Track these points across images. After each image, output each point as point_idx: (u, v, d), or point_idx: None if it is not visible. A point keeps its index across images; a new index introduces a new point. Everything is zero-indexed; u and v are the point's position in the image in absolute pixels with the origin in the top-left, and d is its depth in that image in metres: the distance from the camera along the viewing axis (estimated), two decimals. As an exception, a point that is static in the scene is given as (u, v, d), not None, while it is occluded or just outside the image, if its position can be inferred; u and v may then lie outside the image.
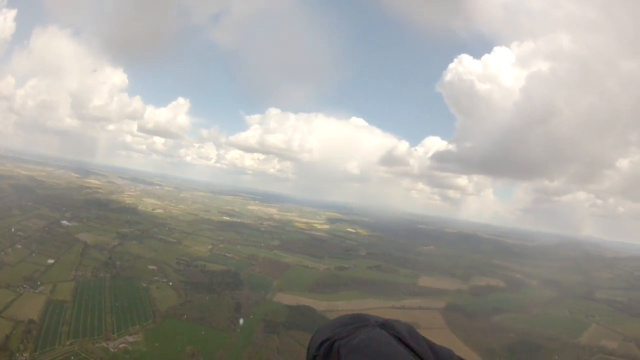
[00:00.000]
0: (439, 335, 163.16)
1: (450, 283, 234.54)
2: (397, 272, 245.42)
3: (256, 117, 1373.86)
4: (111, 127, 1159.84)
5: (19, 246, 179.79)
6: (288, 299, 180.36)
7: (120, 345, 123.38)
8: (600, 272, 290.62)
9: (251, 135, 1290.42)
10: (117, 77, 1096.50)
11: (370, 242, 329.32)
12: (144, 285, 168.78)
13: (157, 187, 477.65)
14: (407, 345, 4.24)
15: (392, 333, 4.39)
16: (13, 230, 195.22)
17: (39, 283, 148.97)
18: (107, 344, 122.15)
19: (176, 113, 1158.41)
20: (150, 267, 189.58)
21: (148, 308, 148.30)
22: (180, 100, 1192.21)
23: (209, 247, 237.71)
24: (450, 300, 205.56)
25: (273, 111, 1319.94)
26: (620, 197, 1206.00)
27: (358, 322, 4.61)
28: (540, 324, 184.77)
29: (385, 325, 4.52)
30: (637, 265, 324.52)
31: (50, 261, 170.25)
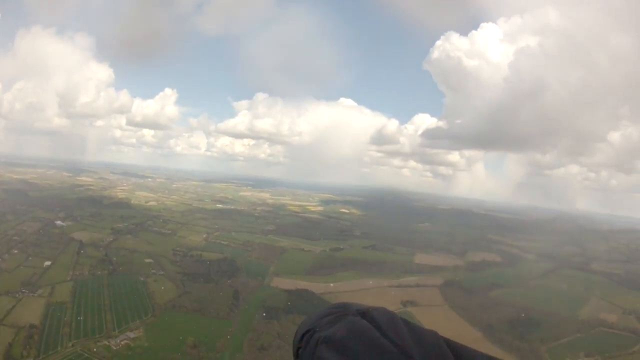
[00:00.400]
0: (439, 313, 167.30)
1: (446, 259, 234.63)
2: (392, 250, 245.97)
3: (244, 102, 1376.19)
4: (100, 123, 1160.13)
5: (16, 251, 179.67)
6: (286, 283, 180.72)
7: (122, 342, 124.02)
8: (596, 245, 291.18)
9: (240, 121, 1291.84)
10: (103, 72, 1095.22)
11: (365, 221, 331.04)
12: (142, 279, 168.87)
13: (149, 179, 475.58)
14: (384, 334, 4.14)
15: (373, 322, 4.32)
16: (8, 235, 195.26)
17: (37, 286, 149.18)
18: (108, 342, 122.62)
19: (164, 104, 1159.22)
20: (147, 260, 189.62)
21: (147, 302, 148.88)
22: (168, 90, 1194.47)
23: (204, 236, 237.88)
24: (448, 277, 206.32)
25: (261, 96, 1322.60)
26: (613, 170, 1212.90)
27: (338, 312, 4.65)
28: (539, 298, 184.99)
29: (366, 314, 4.47)
30: (632, 237, 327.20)
31: (47, 263, 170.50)
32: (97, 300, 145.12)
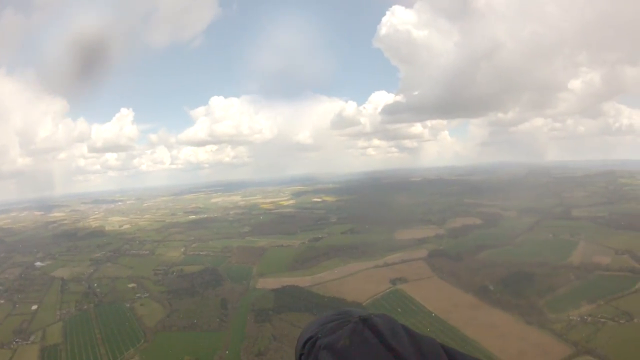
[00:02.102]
0: (430, 285, 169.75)
1: (427, 231, 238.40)
2: (371, 231, 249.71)
3: (201, 109, 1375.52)
4: (62, 155, 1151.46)
5: (2, 301, 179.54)
6: (271, 282, 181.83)
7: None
8: (575, 192, 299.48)
9: (199, 128, 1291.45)
10: (57, 104, 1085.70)
11: (339, 207, 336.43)
12: (128, 305, 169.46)
13: (120, 203, 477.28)
14: (385, 342, 4.37)
15: (374, 330, 4.53)
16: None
17: (29, 333, 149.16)
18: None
19: (122, 125, 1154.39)
20: (130, 285, 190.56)
21: (137, 328, 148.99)
22: (124, 110, 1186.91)
23: (182, 250, 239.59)
24: (432, 247, 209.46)
25: (216, 100, 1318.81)
26: (578, 116, 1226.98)
27: (341, 318, 4.84)
28: (527, 253, 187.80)
29: (367, 321, 4.64)
30: (609, 179, 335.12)
31: (34, 307, 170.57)
32: (88, 336, 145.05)
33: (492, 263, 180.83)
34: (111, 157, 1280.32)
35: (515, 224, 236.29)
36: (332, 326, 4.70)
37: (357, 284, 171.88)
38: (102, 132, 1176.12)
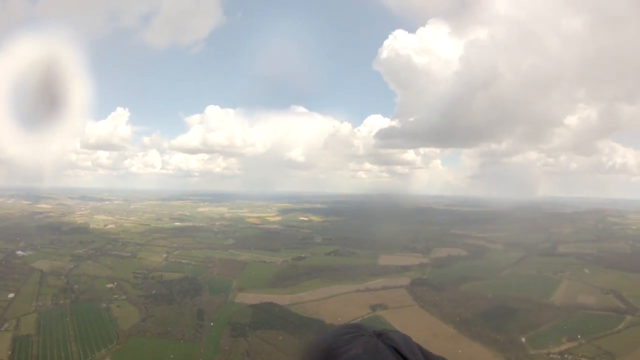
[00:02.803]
0: (410, 314, 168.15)
1: (411, 258, 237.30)
2: (355, 254, 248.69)
3: (196, 117, 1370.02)
4: (55, 148, 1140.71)
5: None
6: (250, 297, 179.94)
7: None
8: (563, 228, 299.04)
9: (193, 136, 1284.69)
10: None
11: (325, 227, 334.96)
12: (104, 305, 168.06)
13: (107, 202, 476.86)
14: (403, 357, 4.37)
15: (388, 343, 4.53)
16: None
17: (3, 320, 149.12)
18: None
19: (117, 124, 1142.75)
20: (108, 285, 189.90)
21: (111, 329, 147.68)
22: (120, 110, 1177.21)
23: (164, 255, 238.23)
24: (415, 276, 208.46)
25: (212, 109, 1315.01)
26: (572, 153, 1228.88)
27: (354, 332, 4.79)
28: (510, 287, 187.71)
29: (382, 336, 4.63)
30: (599, 217, 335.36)
31: (11, 295, 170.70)
32: (62, 331, 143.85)
33: (474, 295, 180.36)
34: (103, 155, 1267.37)
35: (501, 257, 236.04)
36: (347, 338, 4.72)
37: (336, 306, 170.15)
38: (96, 129, 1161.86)
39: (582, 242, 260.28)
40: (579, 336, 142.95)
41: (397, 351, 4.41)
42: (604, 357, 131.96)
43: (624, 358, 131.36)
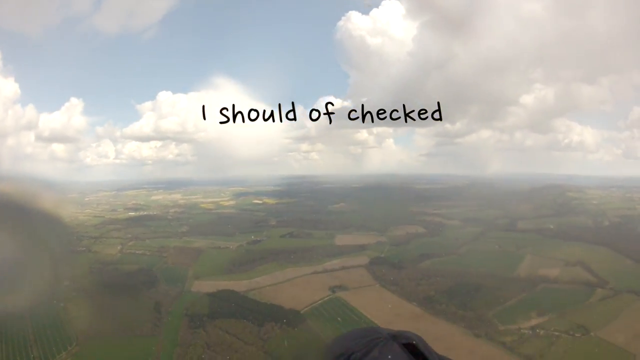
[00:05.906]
0: (371, 294, 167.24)
1: (368, 237, 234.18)
2: (311, 235, 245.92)
3: (148, 104, 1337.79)
4: (10, 141, 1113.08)
5: None
6: (207, 286, 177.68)
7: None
8: (521, 205, 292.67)
9: (145, 123, 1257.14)
10: (9, 87, 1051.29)
11: (279, 210, 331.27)
12: (61, 305, 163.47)
13: (62, 196, 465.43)
14: (419, 357, 4.57)
15: (405, 344, 4.77)
16: None
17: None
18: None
19: (70, 115, 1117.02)
20: (65, 283, 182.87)
21: (69, 330, 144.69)
22: (74, 100, 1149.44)
23: (119, 247, 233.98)
24: (373, 255, 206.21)
25: (163, 95, 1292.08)
26: (528, 130, 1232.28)
27: (371, 335, 4.99)
28: (472, 263, 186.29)
29: (397, 337, 4.87)
30: (558, 192, 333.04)
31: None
32: (22, 334, 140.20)
33: (436, 272, 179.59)
34: (58, 148, 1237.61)
35: (460, 234, 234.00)
36: (366, 342, 4.97)
37: (294, 290, 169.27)
38: (50, 121, 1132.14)
39: (542, 217, 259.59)
40: (550, 311, 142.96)
41: (413, 352, 4.79)
42: (578, 330, 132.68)
43: (599, 331, 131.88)
